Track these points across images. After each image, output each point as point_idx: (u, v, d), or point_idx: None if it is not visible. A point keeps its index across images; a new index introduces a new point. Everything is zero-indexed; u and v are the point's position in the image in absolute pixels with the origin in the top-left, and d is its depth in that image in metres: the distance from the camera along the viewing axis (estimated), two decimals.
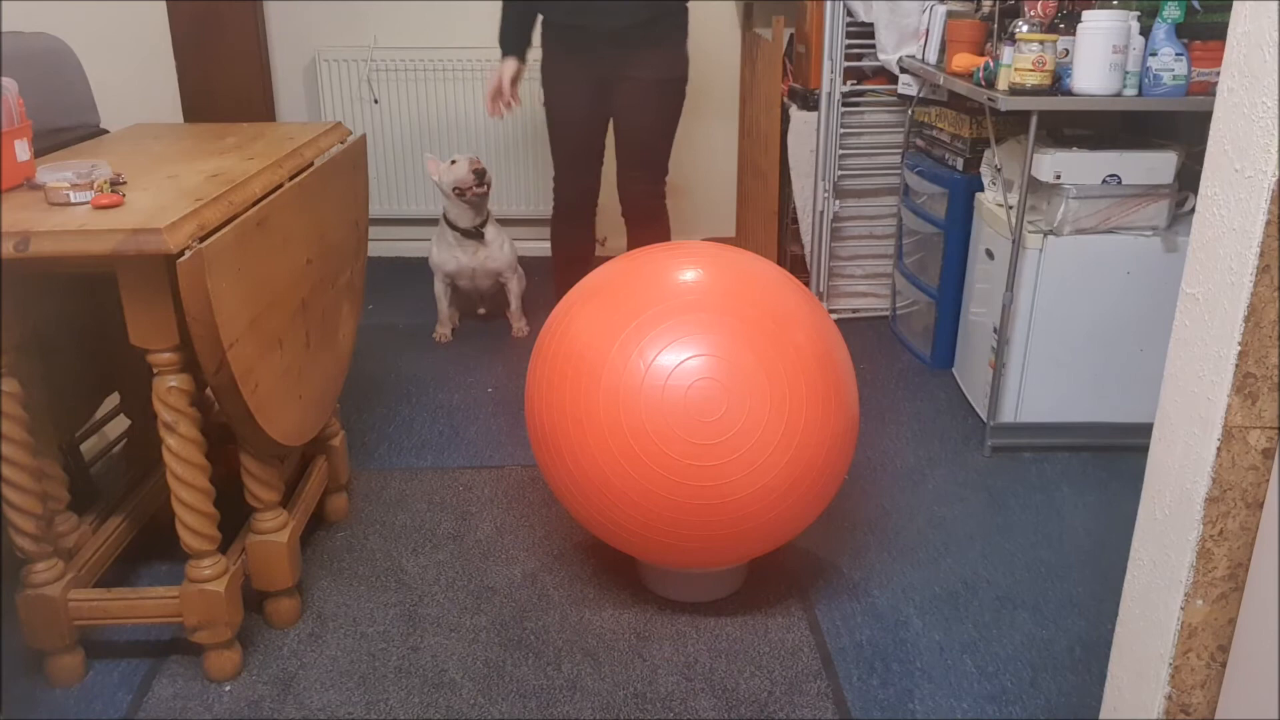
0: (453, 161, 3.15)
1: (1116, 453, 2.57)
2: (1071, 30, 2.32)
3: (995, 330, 2.57)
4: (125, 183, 1.68)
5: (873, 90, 3.27)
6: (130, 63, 2.74)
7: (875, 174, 3.35)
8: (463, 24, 3.91)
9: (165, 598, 1.74)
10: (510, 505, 2.35)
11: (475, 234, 3.22)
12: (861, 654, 1.86)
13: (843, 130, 3.27)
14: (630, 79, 2.69)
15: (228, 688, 1.77)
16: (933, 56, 2.91)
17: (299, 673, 1.81)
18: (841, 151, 3.29)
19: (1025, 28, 2.37)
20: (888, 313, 3.48)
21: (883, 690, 1.78)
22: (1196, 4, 2.29)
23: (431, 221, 4.18)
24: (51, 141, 2.02)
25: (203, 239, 1.51)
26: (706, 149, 4.08)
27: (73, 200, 1.56)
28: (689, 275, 1.81)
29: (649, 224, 2.88)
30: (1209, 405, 1.19)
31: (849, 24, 3.16)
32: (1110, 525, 2.28)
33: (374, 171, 4.02)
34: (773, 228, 3.55)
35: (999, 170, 2.62)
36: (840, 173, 3.30)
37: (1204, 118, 1.20)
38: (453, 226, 3.21)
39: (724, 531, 1.74)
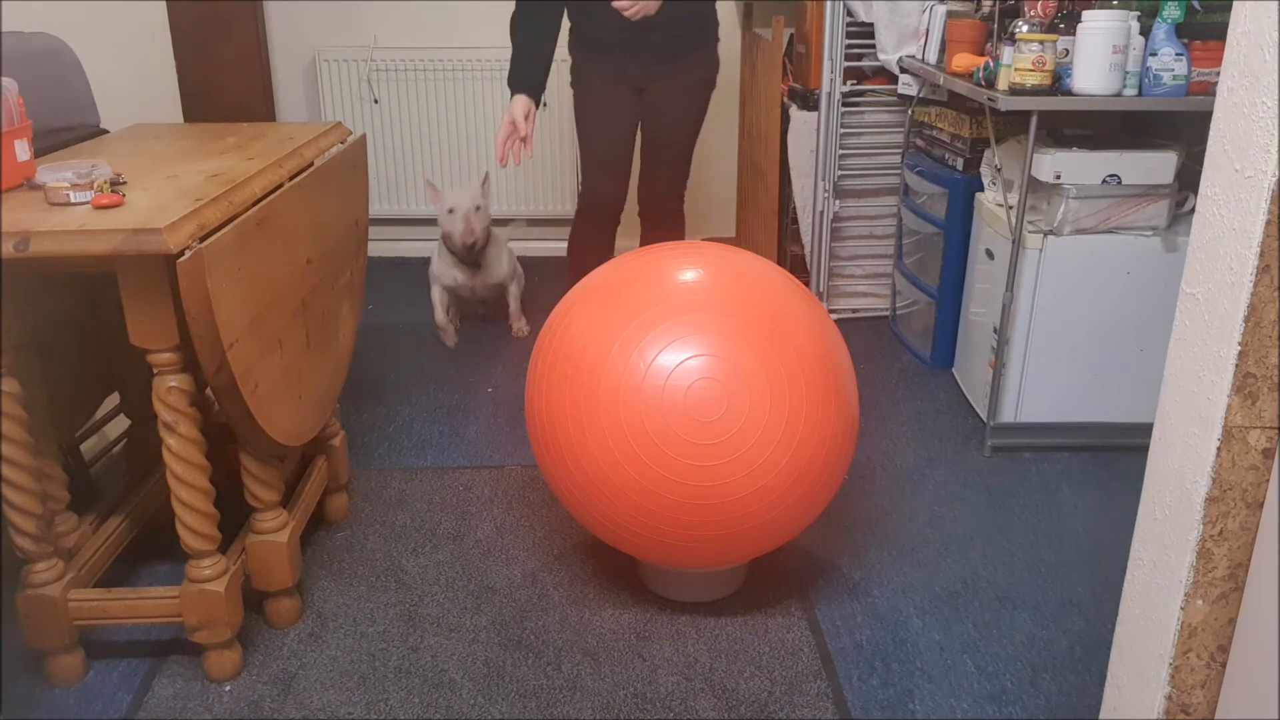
0: (450, 210, 3.08)
1: (1116, 453, 2.57)
2: (1071, 30, 2.32)
3: (995, 330, 2.57)
4: (125, 183, 1.68)
5: (873, 90, 3.27)
6: (130, 63, 2.74)
7: (875, 174, 3.35)
8: (463, 24, 3.91)
9: (165, 598, 1.74)
10: (510, 505, 2.35)
11: (473, 260, 3.22)
12: (861, 654, 1.86)
13: (843, 130, 3.27)
14: (666, 83, 2.68)
15: (228, 688, 1.77)
16: (933, 56, 2.91)
17: (299, 673, 1.81)
18: (841, 151, 3.29)
19: (1025, 28, 2.37)
20: (888, 313, 3.48)
21: (883, 690, 1.78)
22: (1196, 4, 2.29)
23: (431, 222, 4.20)
24: (51, 141, 2.02)
25: (203, 239, 1.51)
26: (706, 149, 4.07)
27: (73, 200, 1.56)
28: (689, 275, 1.81)
29: (668, 226, 2.88)
30: (1209, 405, 1.19)
31: (849, 24, 3.16)
32: (1110, 525, 2.28)
33: (374, 171, 4.02)
34: (773, 228, 3.55)
35: (999, 170, 2.62)
36: (840, 173, 3.30)
37: (1204, 118, 1.20)
38: (450, 250, 3.20)
39: (724, 531, 1.74)
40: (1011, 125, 2.68)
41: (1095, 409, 2.57)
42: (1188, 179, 2.41)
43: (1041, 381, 2.56)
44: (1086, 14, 2.25)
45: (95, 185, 1.59)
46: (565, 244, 2.91)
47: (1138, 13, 2.29)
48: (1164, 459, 1.29)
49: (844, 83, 3.20)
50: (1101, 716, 1.50)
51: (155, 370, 1.58)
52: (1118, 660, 1.44)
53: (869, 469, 2.52)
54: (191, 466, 1.65)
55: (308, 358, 1.94)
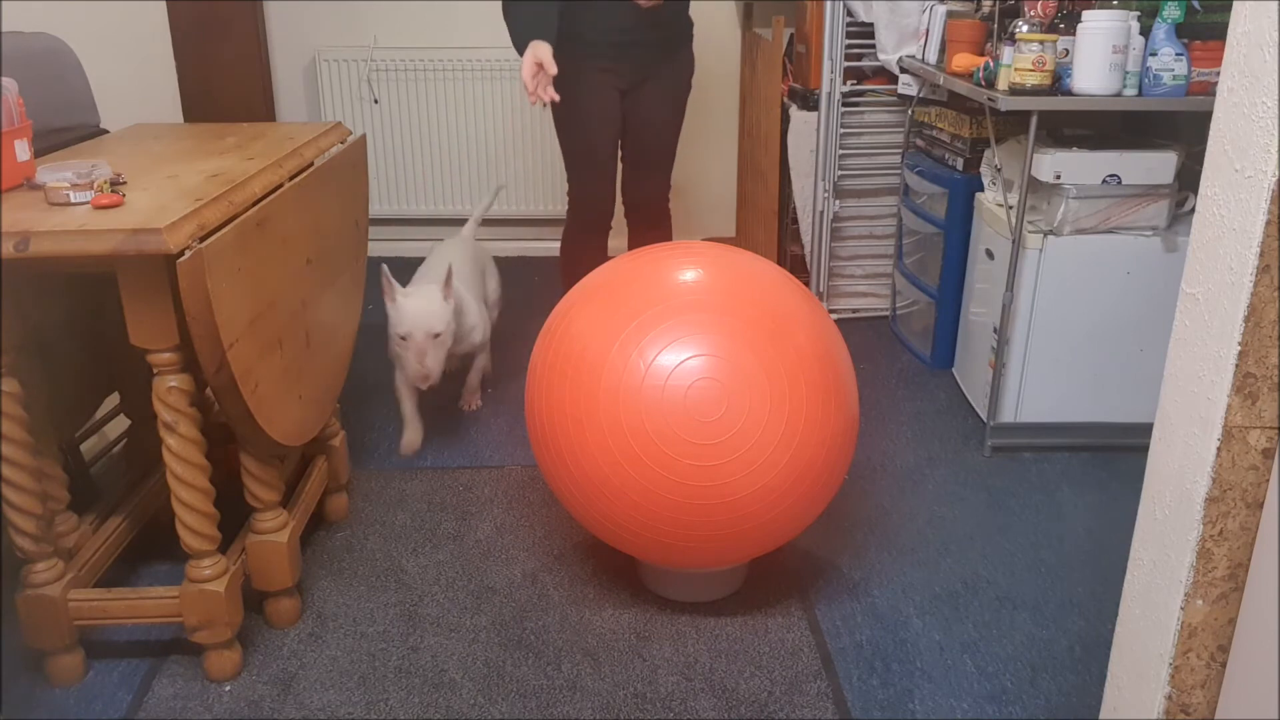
0: (401, 337, 2.35)
1: (1116, 453, 2.57)
2: (1071, 30, 2.32)
3: (995, 330, 2.57)
4: (125, 183, 1.68)
5: (873, 90, 3.27)
6: (130, 63, 2.74)
7: (875, 174, 3.35)
8: (463, 24, 3.91)
9: (165, 598, 1.74)
10: (510, 505, 2.35)
11: None
12: (861, 654, 1.86)
13: (843, 130, 3.27)
14: (655, 84, 2.68)
15: (228, 688, 1.77)
16: (933, 56, 2.91)
17: (299, 673, 1.81)
18: (841, 151, 3.29)
19: (1025, 28, 2.37)
20: (888, 313, 3.48)
21: (883, 690, 1.78)
22: (1196, 4, 2.29)
23: (431, 222, 4.20)
24: (51, 141, 2.02)
25: (203, 239, 1.51)
26: (706, 149, 4.08)
27: (73, 200, 1.56)
28: (689, 275, 1.81)
29: (656, 226, 2.88)
30: (1209, 405, 1.19)
31: (849, 24, 3.16)
32: (1110, 525, 2.28)
33: (374, 171, 4.02)
34: (773, 228, 3.55)
35: (999, 170, 2.62)
36: (840, 173, 3.30)
37: (1204, 118, 1.20)
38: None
39: (724, 531, 1.74)
40: (1011, 125, 2.68)
41: (1095, 409, 2.57)
42: (1188, 179, 2.41)
43: (1041, 381, 2.56)
44: (1086, 14, 2.25)
45: (95, 185, 1.59)
46: (559, 243, 2.90)
47: (1138, 13, 2.29)
48: (1164, 459, 1.29)
49: (844, 83, 3.20)
50: (1101, 716, 1.50)
51: (155, 370, 1.58)
52: (1118, 660, 1.44)
53: (869, 469, 2.52)
54: (191, 466, 1.65)
55: (308, 358, 1.94)
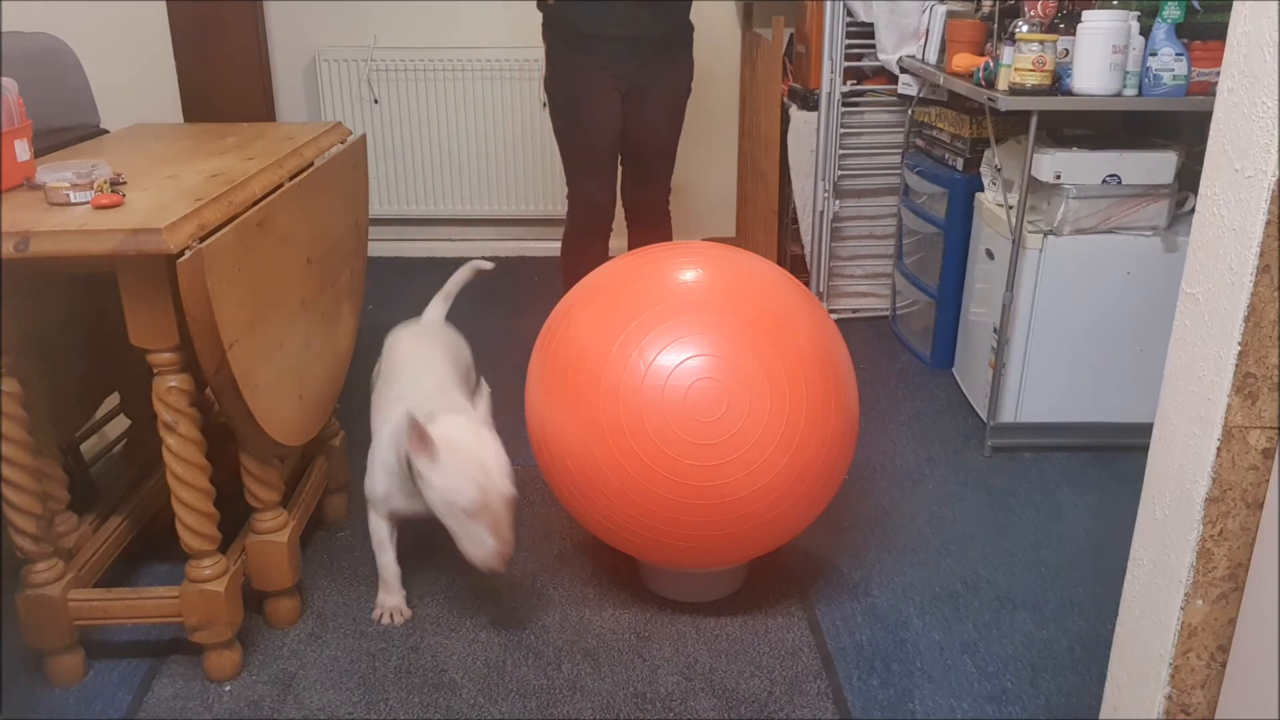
0: (468, 512, 1.74)
1: (1116, 453, 2.57)
2: (1071, 30, 2.32)
3: (995, 330, 2.57)
4: (125, 183, 1.68)
5: (873, 90, 3.27)
6: (130, 63, 2.74)
7: (875, 174, 3.35)
8: (463, 24, 3.91)
9: (165, 598, 1.74)
10: None
11: None
12: (861, 654, 1.86)
13: (843, 130, 3.27)
14: (649, 87, 2.67)
15: (228, 688, 1.77)
16: (933, 56, 2.91)
17: (299, 673, 1.81)
18: (841, 151, 3.29)
19: (1025, 28, 2.37)
20: (888, 313, 3.48)
21: (883, 690, 1.78)
22: (1196, 4, 2.29)
23: (432, 221, 4.20)
24: (51, 141, 2.02)
25: (203, 239, 1.51)
26: (706, 149, 4.08)
27: (73, 200, 1.56)
28: (689, 275, 1.81)
29: (656, 228, 2.87)
30: (1209, 405, 1.19)
31: (849, 24, 3.16)
32: (1110, 525, 2.28)
33: (374, 171, 4.02)
34: (773, 228, 3.55)
35: (999, 170, 2.62)
36: (840, 173, 3.30)
37: (1204, 118, 1.20)
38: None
39: (724, 531, 1.74)
40: (1011, 125, 2.68)
41: (1095, 409, 2.57)
42: (1188, 179, 2.41)
43: (1041, 381, 2.56)
44: (1086, 14, 2.25)
45: (95, 185, 1.59)
46: (559, 243, 2.90)
47: (1138, 13, 2.29)
48: (1164, 459, 1.29)
49: (844, 83, 3.20)
50: (1101, 716, 1.50)
51: (155, 370, 1.58)
52: (1118, 660, 1.44)
53: (869, 469, 2.52)
54: (191, 466, 1.65)
55: (308, 358, 1.94)
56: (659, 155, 2.79)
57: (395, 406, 1.90)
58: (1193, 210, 1.23)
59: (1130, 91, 2.29)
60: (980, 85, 2.47)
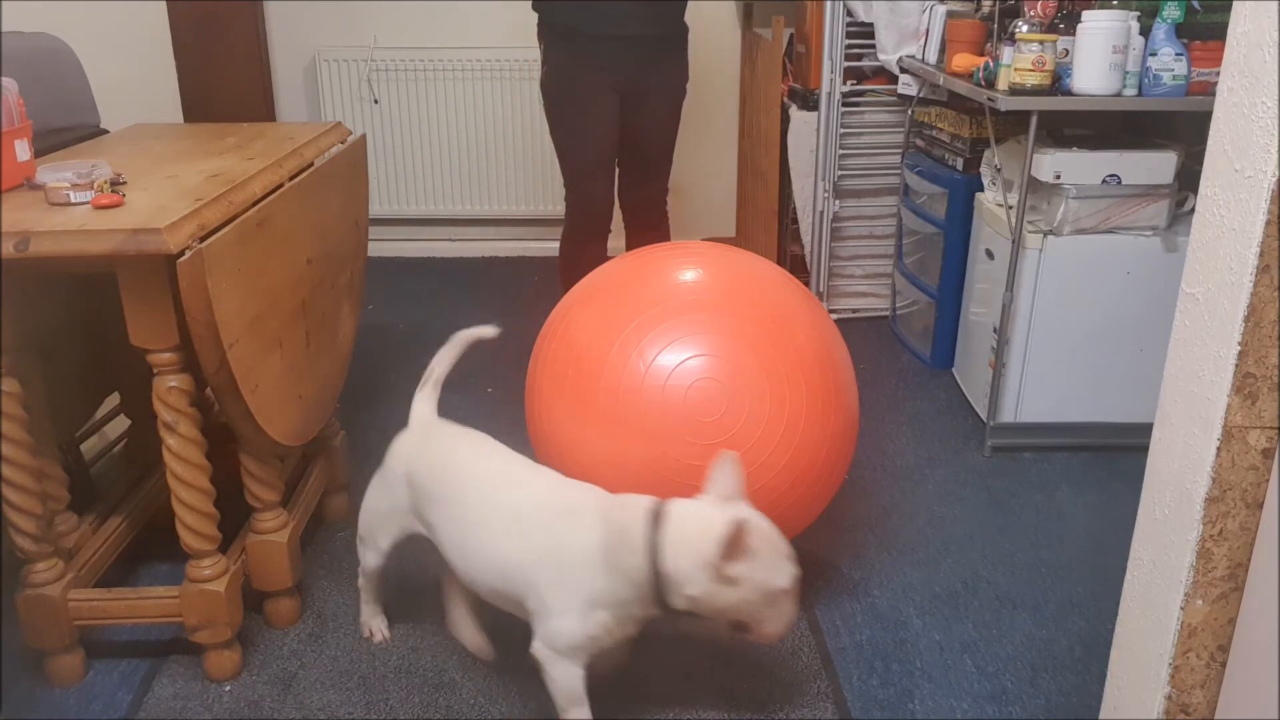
0: (784, 589, 1.50)
1: (1116, 453, 2.57)
2: (1071, 30, 2.32)
3: (995, 330, 2.56)
4: (125, 183, 1.68)
5: (873, 90, 3.27)
6: (130, 63, 2.74)
7: (875, 174, 3.35)
8: (463, 24, 3.91)
9: (165, 598, 1.74)
10: None
11: None
12: (861, 654, 1.86)
13: (843, 130, 3.27)
14: (646, 88, 2.67)
15: (228, 688, 1.77)
16: (933, 56, 2.91)
17: (299, 673, 1.81)
18: (841, 151, 3.29)
19: (1025, 28, 2.37)
20: (888, 313, 3.48)
21: (883, 690, 1.78)
22: (1196, 4, 2.29)
23: (432, 221, 4.20)
24: (51, 141, 2.02)
25: (203, 239, 1.51)
26: (706, 149, 4.08)
27: (73, 200, 1.56)
28: (689, 275, 1.81)
29: (654, 229, 2.87)
30: (1209, 405, 1.19)
31: (849, 24, 3.16)
32: (1110, 525, 2.28)
33: (374, 171, 4.02)
34: (773, 228, 3.55)
35: (999, 170, 2.62)
36: (840, 173, 3.30)
37: (1204, 118, 1.20)
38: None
39: None
40: (1011, 125, 2.68)
41: (1095, 409, 2.57)
42: (1188, 179, 2.41)
43: (1041, 381, 2.56)
44: (1086, 14, 2.25)
45: (95, 185, 1.59)
46: (558, 244, 2.89)
47: (1138, 13, 2.29)
48: (1164, 459, 1.29)
49: (844, 83, 3.20)
50: (1101, 716, 1.50)
51: (155, 370, 1.58)
52: (1118, 660, 1.44)
53: (869, 469, 2.52)
54: (191, 466, 1.65)
55: (308, 358, 1.94)
56: (657, 155, 2.80)
57: (578, 529, 1.51)
58: (1193, 210, 1.23)
59: (1130, 91, 2.29)
60: (980, 85, 2.47)
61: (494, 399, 2.90)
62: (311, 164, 2.00)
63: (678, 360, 1.69)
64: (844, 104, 3.24)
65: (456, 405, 2.84)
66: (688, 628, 1.60)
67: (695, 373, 1.68)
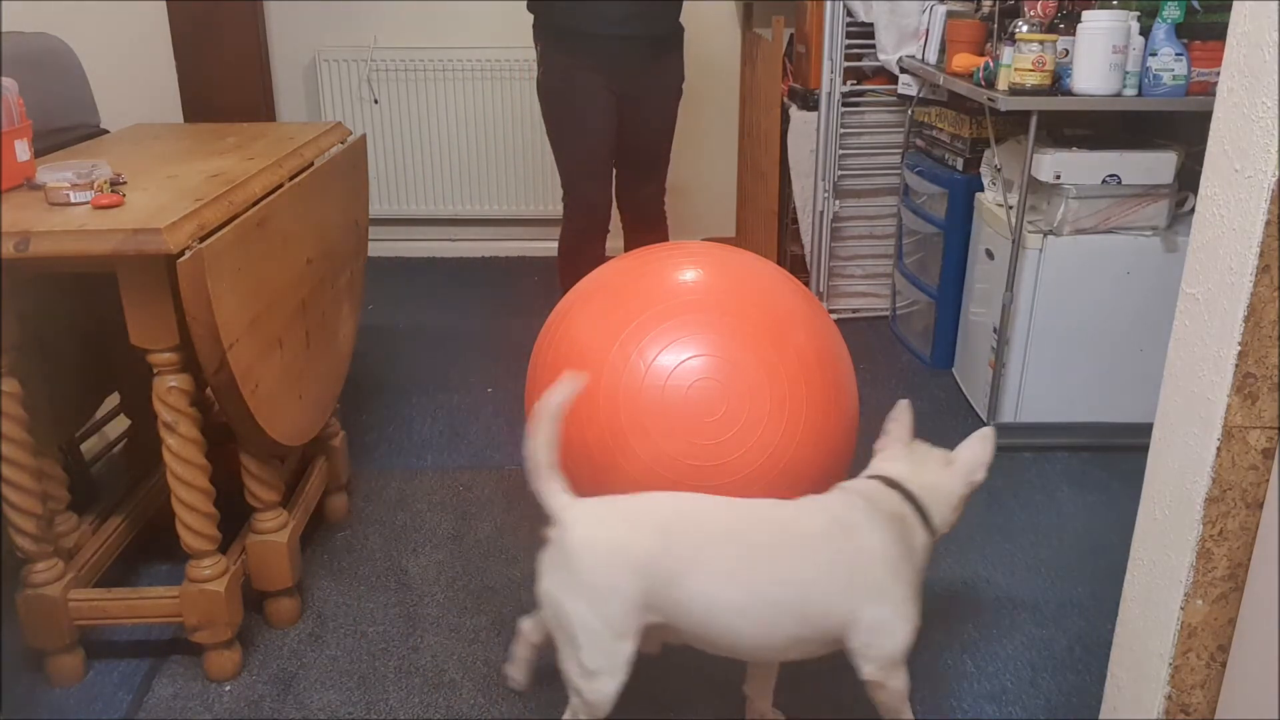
0: None
1: (1116, 453, 2.57)
2: (1071, 30, 2.32)
3: (995, 330, 2.57)
4: (125, 183, 1.68)
5: (873, 90, 3.27)
6: (130, 63, 2.74)
7: (875, 174, 3.35)
8: (463, 24, 3.91)
9: (165, 598, 1.74)
10: (510, 505, 2.35)
11: None
12: None
13: (843, 130, 3.27)
14: (643, 88, 2.67)
15: (228, 688, 1.77)
16: (933, 56, 2.91)
17: (299, 673, 1.81)
18: (841, 151, 3.29)
19: (1025, 28, 2.37)
20: (888, 313, 3.48)
21: None
22: (1196, 4, 2.29)
23: (432, 221, 4.20)
24: (51, 141, 2.02)
25: (203, 239, 1.51)
26: (706, 149, 4.08)
27: (73, 200, 1.56)
28: (689, 275, 1.81)
29: (652, 228, 2.87)
30: (1209, 405, 1.19)
31: (849, 24, 3.16)
32: (1110, 525, 2.28)
33: (374, 171, 4.02)
34: (773, 228, 3.55)
35: (999, 170, 2.62)
36: (840, 173, 3.30)
37: (1204, 118, 1.20)
38: None
39: None
40: (1011, 125, 2.68)
41: (1095, 409, 2.57)
42: (1188, 179, 2.41)
43: (1041, 381, 2.56)
44: (1086, 14, 2.25)
45: (95, 185, 1.59)
46: (556, 244, 2.89)
47: (1138, 13, 2.29)
48: (1164, 459, 1.29)
49: (844, 83, 3.20)
50: (1101, 716, 1.50)
51: (155, 370, 1.58)
52: (1118, 660, 1.44)
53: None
54: (191, 466, 1.65)
55: (308, 358, 1.94)
56: (654, 156, 2.79)
57: (870, 537, 1.47)
58: (1193, 210, 1.23)
59: (1130, 91, 2.29)
60: (980, 85, 2.47)
61: (494, 398, 2.91)
62: (311, 164, 2.00)
63: (678, 360, 1.69)
64: (844, 104, 3.24)
65: (457, 405, 2.85)
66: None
67: (695, 373, 1.68)
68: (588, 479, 1.76)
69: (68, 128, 2.13)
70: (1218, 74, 1.17)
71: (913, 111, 3.15)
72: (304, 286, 1.90)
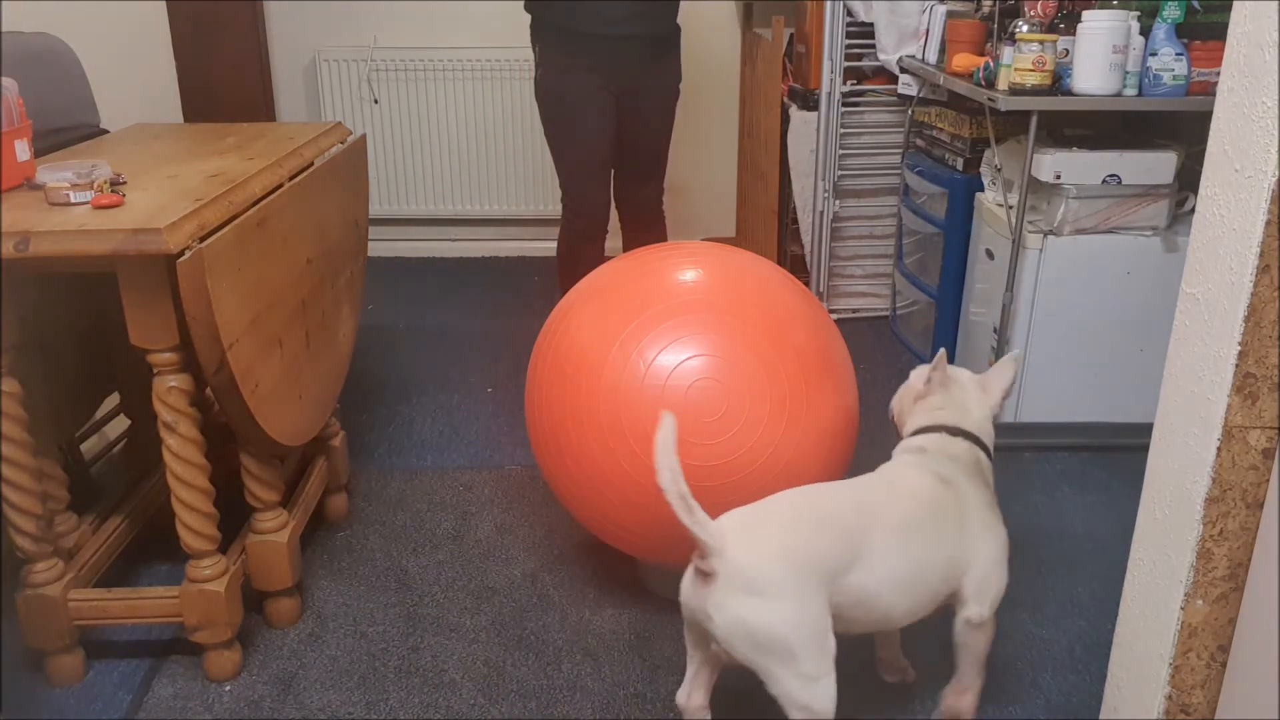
0: None
1: (1116, 453, 2.57)
2: (1071, 30, 2.32)
3: (995, 330, 2.56)
4: (125, 183, 1.68)
5: (873, 90, 3.27)
6: (130, 63, 2.74)
7: (875, 174, 3.35)
8: (462, 24, 3.91)
9: (165, 598, 1.74)
10: (510, 505, 2.35)
11: None
12: (861, 654, 1.86)
13: (843, 130, 3.27)
14: (642, 89, 2.67)
15: (228, 688, 1.77)
16: (933, 56, 2.91)
17: (299, 673, 1.81)
18: (841, 151, 3.29)
19: (1025, 28, 2.37)
20: (888, 313, 3.48)
21: (883, 690, 1.77)
22: (1196, 4, 2.29)
23: (432, 221, 4.20)
24: (51, 141, 2.02)
25: (203, 239, 1.51)
26: (706, 149, 4.08)
27: (73, 200, 1.56)
28: (689, 275, 1.81)
29: (651, 229, 2.87)
30: (1209, 405, 1.19)
31: (849, 24, 3.16)
32: (1110, 525, 2.28)
33: (374, 171, 4.02)
34: (773, 228, 3.55)
35: (999, 170, 2.62)
36: (840, 173, 3.30)
37: (1204, 118, 1.20)
38: None
39: None
40: (1011, 125, 2.68)
41: (1095, 409, 2.57)
42: (1188, 179, 2.41)
43: (1041, 381, 2.55)
44: (1086, 14, 2.25)
45: (95, 185, 1.59)
46: (556, 249, 2.89)
47: (1138, 13, 2.29)
48: (1164, 459, 1.29)
49: (844, 83, 3.20)
50: (1101, 716, 1.50)
51: (155, 370, 1.58)
52: (1118, 660, 1.44)
53: (869, 469, 2.51)
54: (191, 466, 1.65)
55: (308, 358, 1.94)
56: (652, 156, 2.79)
57: (967, 490, 1.64)
58: (1193, 210, 1.23)
59: (1130, 91, 2.29)
60: (980, 85, 2.47)
61: (494, 398, 2.91)
62: (311, 164, 2.00)
63: (678, 360, 1.69)
64: (844, 104, 3.24)
65: (457, 405, 2.85)
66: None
67: (695, 373, 1.68)
68: (588, 476, 1.76)
69: (68, 128, 2.13)
70: (1218, 74, 1.17)
71: (913, 111, 3.15)
72: (304, 286, 1.90)
